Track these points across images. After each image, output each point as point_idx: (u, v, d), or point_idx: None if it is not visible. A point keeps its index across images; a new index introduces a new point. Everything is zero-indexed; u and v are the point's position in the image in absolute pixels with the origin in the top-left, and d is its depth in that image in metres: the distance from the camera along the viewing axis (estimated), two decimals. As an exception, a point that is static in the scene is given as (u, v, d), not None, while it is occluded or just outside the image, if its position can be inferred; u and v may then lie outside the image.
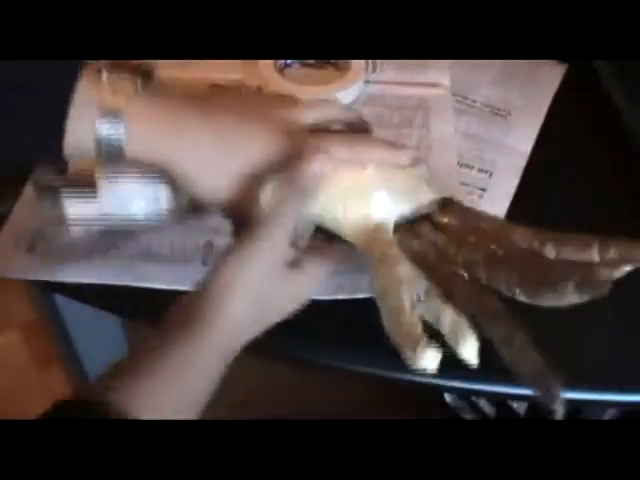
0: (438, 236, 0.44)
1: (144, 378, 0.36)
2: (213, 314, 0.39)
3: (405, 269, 0.42)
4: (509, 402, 0.90)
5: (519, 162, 0.61)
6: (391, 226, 0.44)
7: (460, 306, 0.41)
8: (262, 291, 0.41)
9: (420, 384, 0.48)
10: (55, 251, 0.53)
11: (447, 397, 1.03)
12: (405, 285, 0.41)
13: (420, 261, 0.43)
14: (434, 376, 0.47)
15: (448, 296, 0.41)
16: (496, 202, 0.57)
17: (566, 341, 0.45)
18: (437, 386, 0.48)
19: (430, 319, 0.41)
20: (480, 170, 0.60)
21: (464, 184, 0.59)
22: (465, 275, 0.42)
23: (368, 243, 0.44)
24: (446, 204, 0.46)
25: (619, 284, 0.47)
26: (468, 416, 1.00)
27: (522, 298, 0.41)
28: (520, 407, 0.90)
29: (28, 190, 0.57)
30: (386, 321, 0.41)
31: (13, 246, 0.53)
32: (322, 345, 0.49)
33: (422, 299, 0.41)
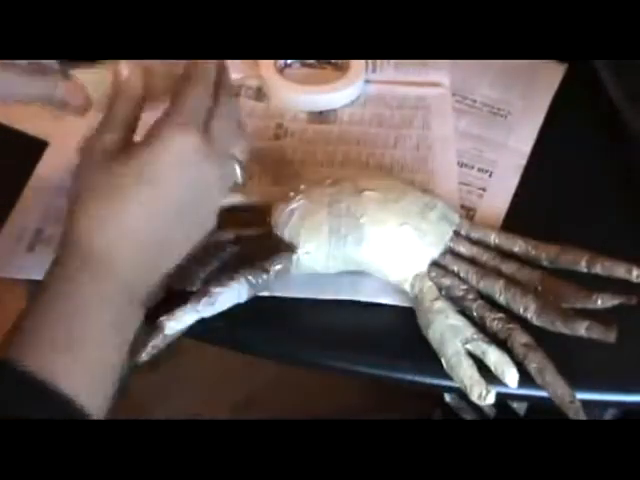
0: (461, 266, 0.49)
1: (40, 331, 0.34)
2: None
3: (457, 317, 0.47)
4: (509, 402, 0.90)
5: (519, 162, 0.61)
6: (426, 271, 0.49)
7: (493, 336, 0.47)
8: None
9: (420, 384, 0.48)
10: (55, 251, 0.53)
11: (447, 397, 1.03)
12: (461, 333, 0.46)
13: (451, 295, 0.48)
14: (434, 376, 0.47)
15: (482, 330, 0.47)
16: (496, 202, 0.57)
17: (566, 341, 0.45)
18: (437, 386, 0.48)
19: (477, 354, 0.46)
20: (480, 170, 0.60)
21: (464, 184, 0.59)
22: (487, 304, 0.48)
23: (412, 291, 0.49)
24: (456, 232, 0.51)
25: (618, 284, 0.47)
26: (468, 416, 1.00)
27: (537, 323, 0.46)
28: (520, 407, 0.90)
29: (28, 190, 0.57)
30: (447, 366, 0.46)
31: (13, 246, 0.53)
32: (322, 346, 0.49)
33: (470, 340, 0.46)
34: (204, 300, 0.45)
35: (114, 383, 0.36)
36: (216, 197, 0.44)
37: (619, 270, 0.47)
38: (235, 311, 0.46)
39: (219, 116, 0.44)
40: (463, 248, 0.51)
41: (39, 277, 0.52)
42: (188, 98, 0.43)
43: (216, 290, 0.46)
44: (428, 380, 0.48)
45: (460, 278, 0.49)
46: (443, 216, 0.51)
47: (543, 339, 0.45)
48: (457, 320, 0.47)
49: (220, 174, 0.43)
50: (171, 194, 0.40)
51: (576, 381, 0.44)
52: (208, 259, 0.50)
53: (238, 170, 0.46)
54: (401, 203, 0.50)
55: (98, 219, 0.38)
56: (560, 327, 0.45)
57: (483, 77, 0.69)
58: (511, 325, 0.46)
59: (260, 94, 0.67)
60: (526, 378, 0.45)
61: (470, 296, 0.48)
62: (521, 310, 0.47)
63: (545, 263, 0.50)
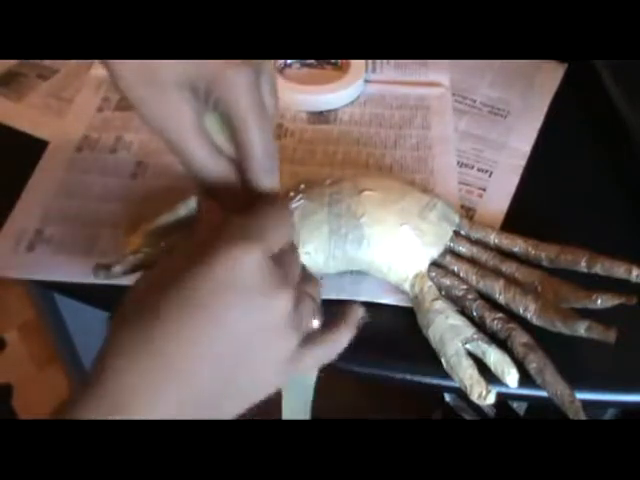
0: (461, 266, 0.50)
1: None
2: None
3: (457, 317, 0.47)
4: (509, 402, 0.90)
5: (519, 162, 0.61)
6: (426, 271, 0.49)
7: (493, 336, 0.47)
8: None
9: (420, 384, 0.48)
10: (55, 251, 0.53)
11: (447, 397, 1.03)
12: (461, 333, 0.46)
13: (451, 295, 0.49)
14: (434, 376, 0.47)
15: (482, 330, 0.47)
16: (496, 202, 0.57)
17: (566, 341, 0.45)
18: (437, 386, 0.48)
19: (477, 354, 0.46)
20: (480, 170, 0.60)
21: (464, 184, 0.59)
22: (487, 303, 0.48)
23: (412, 291, 0.49)
24: (456, 232, 0.52)
25: (619, 285, 0.47)
26: (468, 416, 1.00)
27: (537, 323, 0.47)
28: (520, 407, 0.90)
29: (28, 190, 0.57)
30: (447, 366, 0.46)
31: (13, 246, 0.53)
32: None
33: (470, 340, 0.46)
34: None
35: None
36: (284, 345, 0.33)
37: (619, 270, 0.47)
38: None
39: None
40: (463, 248, 0.51)
41: (39, 277, 0.52)
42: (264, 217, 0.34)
43: None
44: (428, 380, 0.48)
45: (460, 278, 0.49)
46: (443, 216, 0.51)
47: (543, 339, 0.45)
48: (457, 320, 0.47)
49: (292, 314, 0.32)
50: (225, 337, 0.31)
51: (576, 381, 0.44)
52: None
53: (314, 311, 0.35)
54: (401, 203, 0.50)
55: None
56: (560, 327, 0.45)
57: (483, 77, 0.69)
58: (511, 325, 0.46)
59: (260, 94, 0.67)
60: (526, 378, 0.45)
61: (470, 296, 0.48)
62: (521, 310, 0.47)
63: (545, 263, 0.50)
